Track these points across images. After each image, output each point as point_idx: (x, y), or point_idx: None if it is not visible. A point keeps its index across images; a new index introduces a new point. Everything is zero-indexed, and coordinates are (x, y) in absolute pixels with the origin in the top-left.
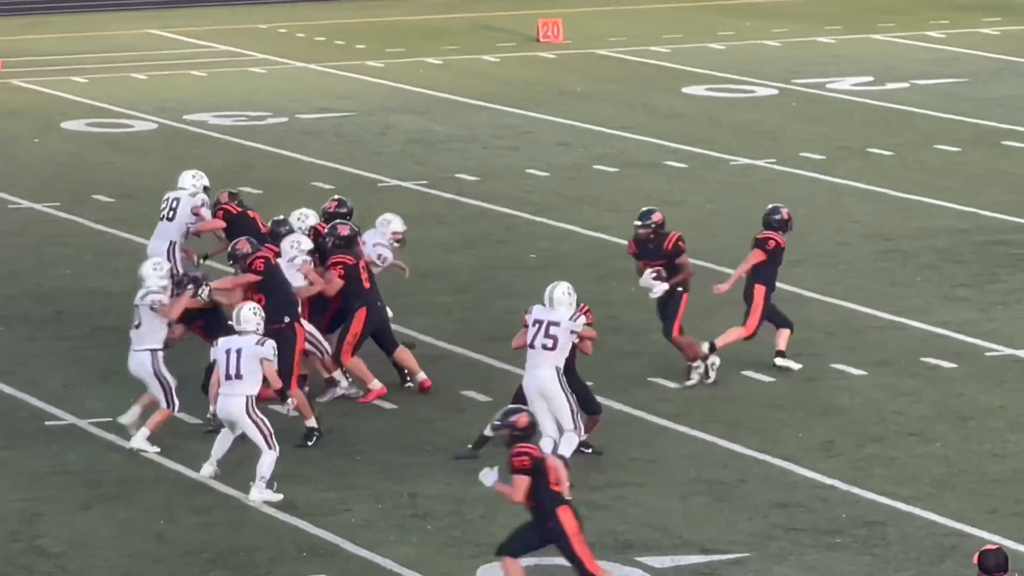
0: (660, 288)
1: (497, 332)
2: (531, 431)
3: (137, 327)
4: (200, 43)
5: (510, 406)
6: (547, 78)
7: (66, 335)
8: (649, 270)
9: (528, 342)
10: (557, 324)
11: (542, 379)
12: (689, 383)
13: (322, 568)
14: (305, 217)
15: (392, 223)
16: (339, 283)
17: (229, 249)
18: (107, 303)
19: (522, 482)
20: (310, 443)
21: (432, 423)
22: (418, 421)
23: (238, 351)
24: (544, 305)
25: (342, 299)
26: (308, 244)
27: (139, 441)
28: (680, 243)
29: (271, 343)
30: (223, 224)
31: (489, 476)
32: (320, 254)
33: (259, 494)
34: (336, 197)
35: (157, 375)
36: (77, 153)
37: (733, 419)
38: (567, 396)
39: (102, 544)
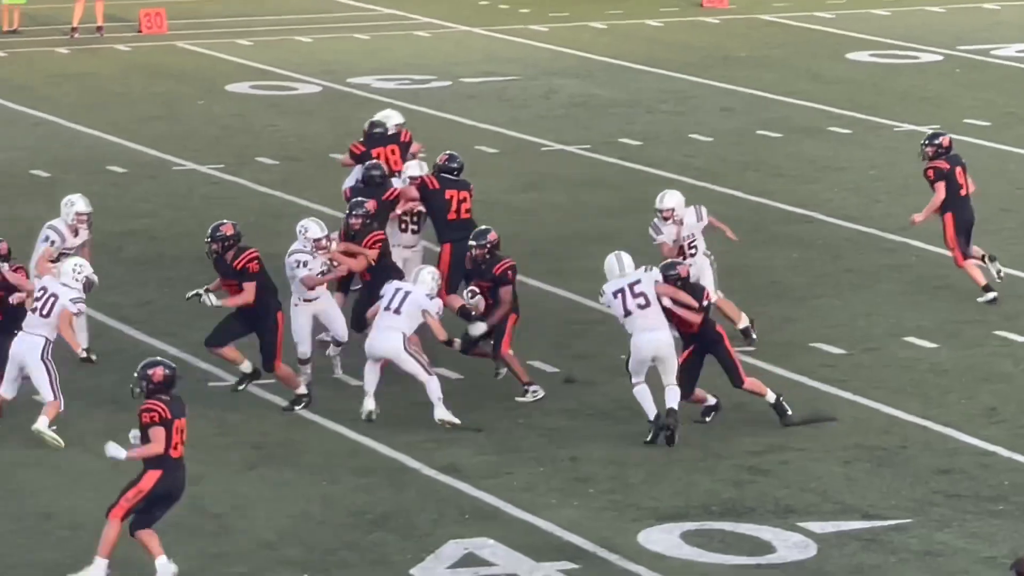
0: (479, 329)
1: None
2: (167, 385)
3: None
4: (365, 6)
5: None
6: (711, 43)
7: None
8: (467, 290)
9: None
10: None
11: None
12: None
13: (483, 531)
14: (305, 230)
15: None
16: (372, 256)
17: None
18: (269, 265)
19: (159, 433)
20: (297, 407)
21: (595, 387)
22: (581, 385)
23: (406, 293)
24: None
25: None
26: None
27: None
28: (509, 272)
29: (439, 302)
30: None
31: (115, 449)
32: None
33: (442, 413)
34: (448, 152)
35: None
36: (241, 115)
37: (895, 385)
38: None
39: (265, 505)
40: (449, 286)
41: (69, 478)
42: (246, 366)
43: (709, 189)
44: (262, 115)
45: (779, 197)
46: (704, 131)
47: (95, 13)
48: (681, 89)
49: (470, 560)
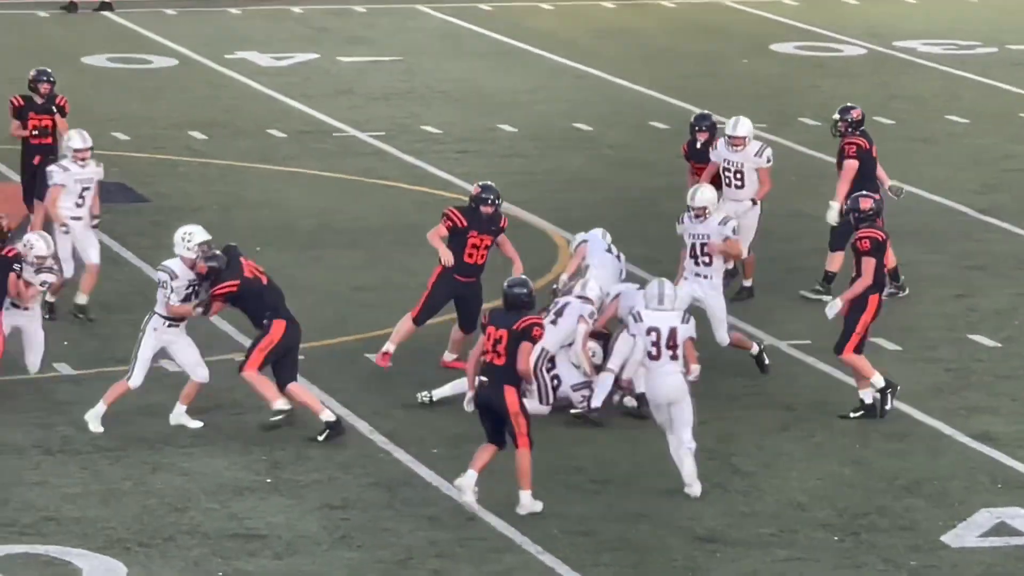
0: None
1: None
2: None
3: None
4: None
5: None
6: None
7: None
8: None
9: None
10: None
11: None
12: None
13: (1015, 500)
14: None
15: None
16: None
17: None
18: (809, 228)
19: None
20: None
21: None
22: None
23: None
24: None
25: None
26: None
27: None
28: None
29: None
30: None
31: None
32: None
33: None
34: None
35: None
36: (784, 75)
37: None
38: None
39: (797, 465)
40: None
41: None
42: None
43: None
44: (806, 75)
45: None
46: None
47: None
48: None
49: (1002, 529)
